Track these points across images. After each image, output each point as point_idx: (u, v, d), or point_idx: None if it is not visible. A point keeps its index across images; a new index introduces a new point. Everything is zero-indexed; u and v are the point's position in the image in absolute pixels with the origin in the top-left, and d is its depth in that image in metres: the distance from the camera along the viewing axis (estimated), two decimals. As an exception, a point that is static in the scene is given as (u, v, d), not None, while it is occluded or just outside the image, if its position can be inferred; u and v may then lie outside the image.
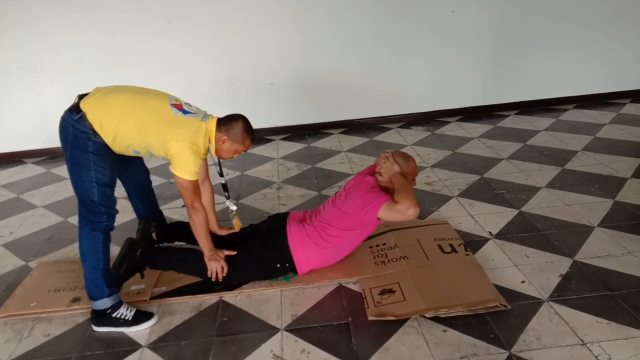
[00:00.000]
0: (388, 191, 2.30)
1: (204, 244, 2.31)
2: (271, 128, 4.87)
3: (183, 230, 2.61)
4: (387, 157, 2.37)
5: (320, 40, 4.65)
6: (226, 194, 2.48)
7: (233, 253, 2.36)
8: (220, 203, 3.31)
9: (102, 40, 4.38)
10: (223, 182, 2.45)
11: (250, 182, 3.79)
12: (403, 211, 2.13)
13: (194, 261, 2.37)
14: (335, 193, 2.54)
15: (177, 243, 2.71)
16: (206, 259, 2.32)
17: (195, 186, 2.18)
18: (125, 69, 4.43)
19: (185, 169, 2.11)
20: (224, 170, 3.94)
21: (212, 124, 2.21)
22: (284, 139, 4.84)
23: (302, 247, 2.34)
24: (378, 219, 2.24)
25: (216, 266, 2.31)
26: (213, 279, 2.33)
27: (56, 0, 4.19)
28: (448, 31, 4.76)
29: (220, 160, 2.39)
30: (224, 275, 2.32)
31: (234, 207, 2.51)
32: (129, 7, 4.29)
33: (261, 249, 2.39)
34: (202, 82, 4.61)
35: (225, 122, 2.24)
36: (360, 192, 2.29)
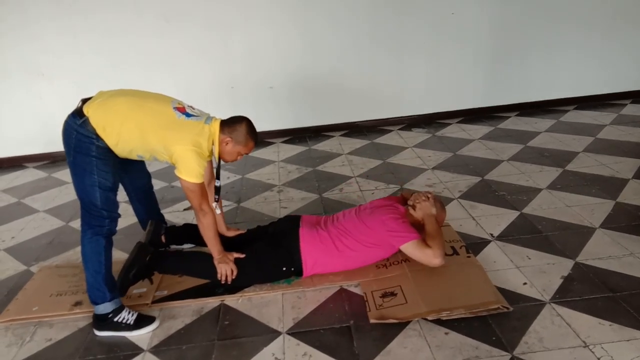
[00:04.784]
0: (414, 227, 2.35)
1: (213, 246, 2.32)
2: (272, 131, 4.88)
3: (191, 232, 2.62)
4: (427, 197, 2.46)
5: (320, 42, 4.66)
6: (216, 196, 2.47)
7: (242, 256, 2.36)
8: (226, 205, 3.33)
9: (101, 42, 4.38)
10: (217, 184, 2.45)
11: (251, 185, 3.79)
12: (430, 256, 2.22)
13: (202, 264, 2.38)
14: (359, 205, 2.57)
15: (185, 245, 2.72)
16: (216, 262, 2.32)
17: (202, 188, 2.18)
18: (125, 70, 4.44)
19: (190, 172, 2.12)
20: (223, 173, 3.95)
21: (216, 126, 2.21)
22: (284, 141, 4.85)
23: (312, 251, 2.34)
24: (398, 248, 2.29)
25: (226, 269, 2.31)
26: (222, 282, 2.33)
27: (55, 1, 4.20)
28: (448, 33, 4.77)
29: (221, 163, 2.39)
30: (234, 277, 2.33)
31: (218, 211, 2.49)
32: (128, 8, 4.30)
33: (269, 251, 2.39)
34: (202, 85, 4.62)
35: (229, 124, 2.25)
36: (390, 214, 2.34)
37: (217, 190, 2.46)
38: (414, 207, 2.44)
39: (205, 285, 2.40)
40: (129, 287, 2.32)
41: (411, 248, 2.25)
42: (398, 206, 2.47)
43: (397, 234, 2.27)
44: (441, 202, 2.52)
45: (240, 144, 2.26)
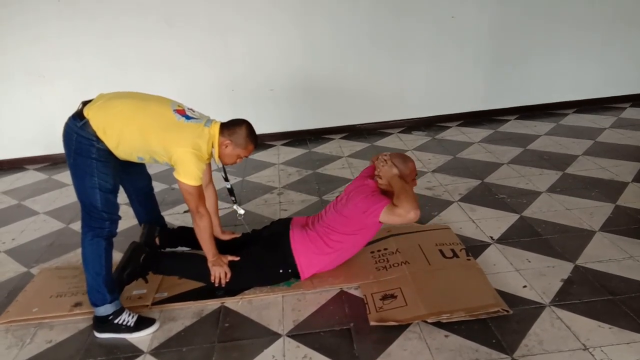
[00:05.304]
0: (388, 194, 2.30)
1: (208, 249, 2.32)
2: (272, 134, 4.88)
3: (186, 235, 2.62)
4: (385, 160, 2.36)
5: (320, 46, 4.67)
6: (232, 198, 2.49)
7: (236, 258, 2.37)
8: (223, 208, 3.33)
9: (103, 45, 4.39)
10: (229, 186, 2.46)
11: (251, 187, 3.79)
12: (403, 215, 2.13)
13: (197, 266, 2.38)
14: (337, 197, 2.55)
15: (180, 248, 2.72)
16: (210, 264, 2.32)
17: (199, 191, 2.19)
18: (126, 73, 4.45)
19: (189, 175, 2.12)
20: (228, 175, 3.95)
21: (216, 129, 2.22)
22: (284, 144, 4.85)
23: (304, 252, 2.34)
24: (380, 222, 2.25)
25: (219, 271, 2.31)
26: (216, 285, 2.33)
27: (56, 4, 4.21)
28: (448, 36, 4.78)
29: (224, 165, 2.40)
30: (227, 280, 2.33)
31: (242, 211, 2.52)
32: (130, 11, 4.31)
33: (264, 254, 2.39)
34: (202, 88, 4.62)
35: (229, 127, 2.26)
36: (360, 196, 2.30)
37: (231, 192, 2.46)
38: (378, 176, 2.37)
39: (206, 288, 2.40)
40: (124, 287, 2.32)
41: (385, 216, 2.18)
42: (368, 182, 2.40)
43: (369, 212, 2.22)
44: (402, 156, 2.40)
45: (239, 146, 2.27)
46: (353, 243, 2.38)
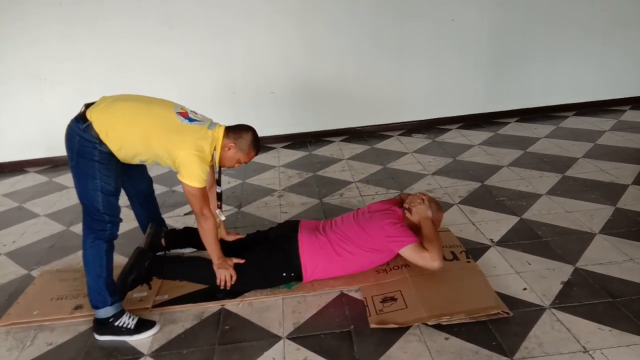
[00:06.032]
0: (412, 230, 2.35)
1: (213, 251, 2.32)
2: (272, 136, 4.89)
3: (192, 236, 2.62)
4: (423, 200, 2.44)
5: (321, 48, 4.68)
6: (219, 203, 2.49)
7: (242, 261, 2.37)
8: (227, 210, 3.34)
9: (104, 48, 4.40)
10: (218, 191, 2.46)
11: (251, 190, 3.80)
12: (429, 260, 2.21)
13: (202, 270, 2.38)
14: (357, 209, 2.57)
15: (185, 249, 2.72)
16: (215, 267, 2.33)
17: (203, 193, 2.19)
18: (127, 76, 4.45)
19: (192, 177, 2.13)
20: (224, 178, 3.96)
21: (220, 132, 2.23)
22: (285, 146, 4.86)
23: (311, 256, 2.34)
24: (397, 253, 2.29)
25: (225, 274, 2.32)
26: (222, 287, 2.33)
27: (57, 7, 4.22)
28: (448, 39, 4.79)
29: (221, 169, 2.40)
30: (233, 283, 2.33)
31: (222, 217, 2.51)
32: (130, 14, 4.32)
33: (269, 256, 2.39)
34: (203, 90, 4.63)
35: (235, 130, 2.28)
36: (388, 219, 2.34)
37: (219, 196, 2.47)
38: (409, 210, 2.44)
39: (206, 290, 2.41)
40: (128, 292, 2.32)
41: (409, 252, 2.25)
42: (396, 209, 2.46)
43: (395, 239, 2.27)
44: (437, 203, 2.51)
45: (242, 151, 2.28)
46: (362, 259, 2.37)
